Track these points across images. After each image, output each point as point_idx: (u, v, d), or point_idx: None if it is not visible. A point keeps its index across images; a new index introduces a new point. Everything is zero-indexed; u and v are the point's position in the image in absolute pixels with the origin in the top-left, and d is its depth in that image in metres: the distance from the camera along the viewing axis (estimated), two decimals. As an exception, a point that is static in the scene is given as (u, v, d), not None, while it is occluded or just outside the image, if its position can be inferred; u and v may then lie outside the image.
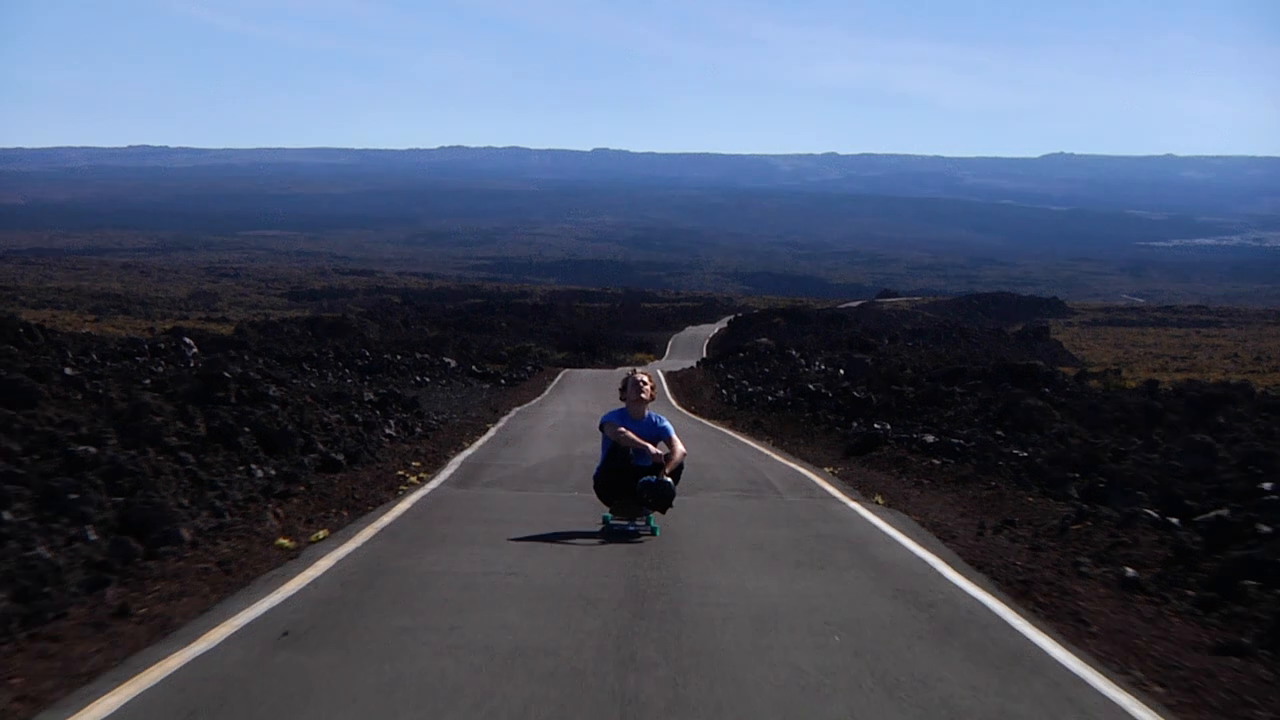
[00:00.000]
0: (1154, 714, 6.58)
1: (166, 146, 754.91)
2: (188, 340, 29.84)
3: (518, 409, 34.42)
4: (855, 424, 26.49)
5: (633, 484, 12.05)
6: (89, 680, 6.60)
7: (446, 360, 45.26)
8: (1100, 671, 7.39)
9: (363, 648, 7.23)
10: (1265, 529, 10.48)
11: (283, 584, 9.02)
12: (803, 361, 51.05)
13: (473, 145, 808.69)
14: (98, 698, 6.24)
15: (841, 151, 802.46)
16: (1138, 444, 18.87)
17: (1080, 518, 13.07)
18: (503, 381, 46.02)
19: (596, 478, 12.52)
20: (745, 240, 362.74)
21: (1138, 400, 25.94)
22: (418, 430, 23.46)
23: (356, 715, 6.03)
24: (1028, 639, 8.12)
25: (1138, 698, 6.87)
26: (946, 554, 11.53)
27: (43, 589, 8.08)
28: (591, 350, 77.29)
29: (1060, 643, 8.06)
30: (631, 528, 12.00)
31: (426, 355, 45.51)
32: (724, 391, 42.95)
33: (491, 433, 25.63)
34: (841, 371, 42.56)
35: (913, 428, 24.46)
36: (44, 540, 8.91)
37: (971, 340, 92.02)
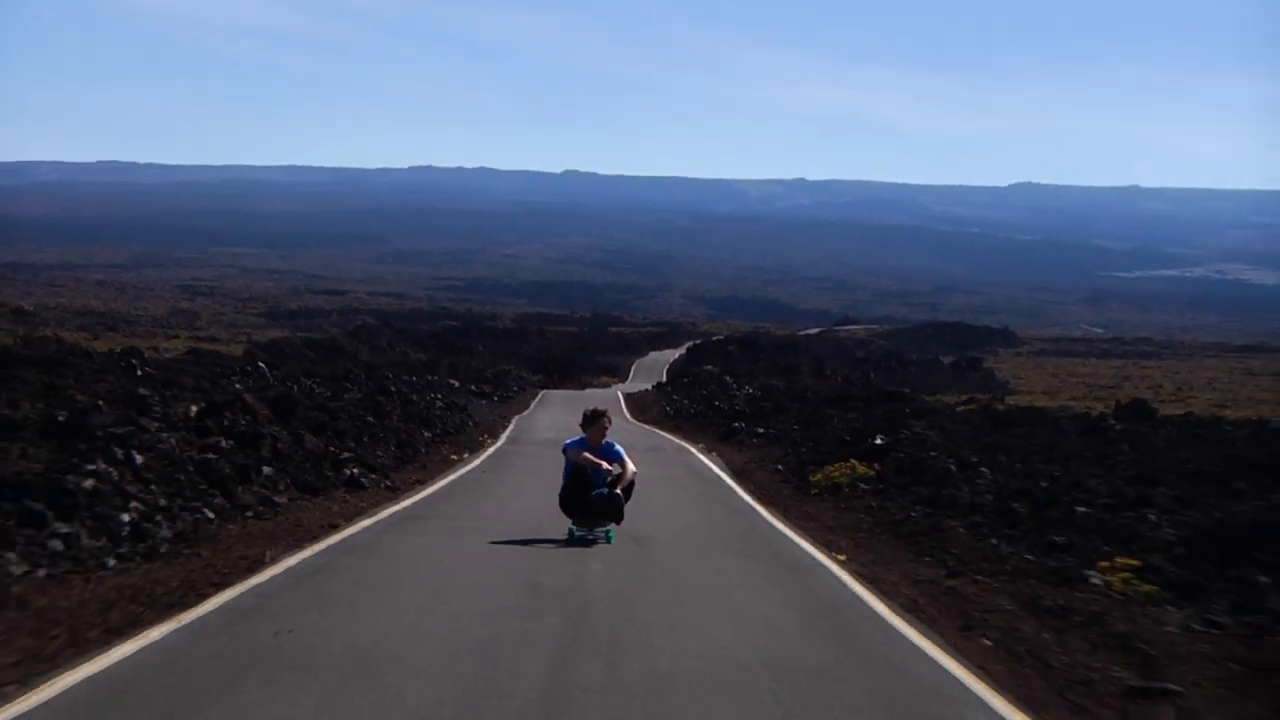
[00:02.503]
0: (799, 532, 14.69)
1: (136, 162, 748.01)
2: (261, 365, 36.25)
3: (517, 416, 45.17)
4: (734, 424, 37.73)
5: (594, 502, 13.66)
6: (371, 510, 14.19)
7: (452, 381, 52.15)
8: (784, 523, 15.64)
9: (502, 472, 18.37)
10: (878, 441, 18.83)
11: (456, 470, 21.22)
12: (735, 387, 58.36)
13: (442, 165, 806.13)
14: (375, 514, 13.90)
15: (810, 177, 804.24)
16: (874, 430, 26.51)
17: (801, 463, 23.80)
18: (496, 398, 54.04)
19: (561, 495, 14.02)
20: (712, 265, 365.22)
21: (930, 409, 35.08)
22: (472, 421, 36.41)
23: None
24: (752, 507, 17.98)
25: (796, 529, 14.27)
26: (723, 469, 25.05)
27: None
28: (563, 373, 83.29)
29: (773, 515, 16.48)
30: (590, 536, 13.54)
31: (435, 377, 52.02)
32: (667, 408, 51.99)
33: (510, 427, 38.49)
34: (760, 394, 49.78)
35: (758, 426, 35.64)
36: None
37: (909, 368, 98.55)
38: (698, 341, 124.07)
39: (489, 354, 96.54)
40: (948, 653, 8.18)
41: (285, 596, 9.31)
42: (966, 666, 7.80)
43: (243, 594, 9.32)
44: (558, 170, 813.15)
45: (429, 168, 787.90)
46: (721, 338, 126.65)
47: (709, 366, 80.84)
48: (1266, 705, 7.06)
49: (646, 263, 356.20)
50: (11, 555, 9.28)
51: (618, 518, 13.75)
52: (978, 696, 7.08)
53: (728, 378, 66.27)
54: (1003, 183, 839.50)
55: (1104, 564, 11.12)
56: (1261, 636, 8.45)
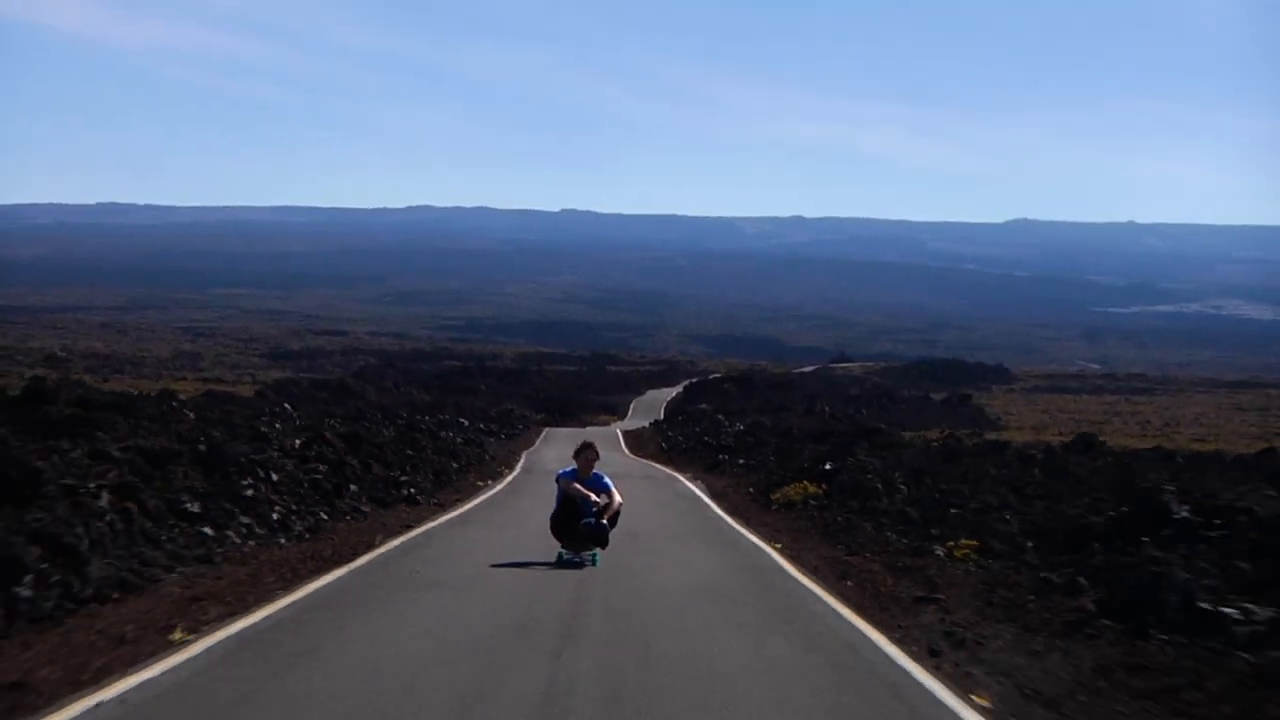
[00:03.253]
0: (752, 532, 19.64)
1: (134, 204, 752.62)
2: (287, 406, 39.94)
3: (525, 451, 50.19)
4: (720, 456, 43.23)
5: (581, 528, 14.92)
6: (430, 518, 19.04)
7: (462, 420, 55.29)
8: (744, 526, 20.43)
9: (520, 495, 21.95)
10: (827, 467, 22.78)
11: (483, 494, 25.88)
12: (727, 424, 62.47)
13: (440, 205, 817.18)
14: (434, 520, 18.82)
15: (807, 214, 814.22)
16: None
17: (769, 486, 28.26)
18: (504, 436, 58.66)
19: (552, 520, 15.37)
20: (709, 303, 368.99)
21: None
22: (488, 455, 41.76)
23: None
24: (720, 516, 22.72)
25: (751, 530, 19.18)
26: (704, 491, 29.27)
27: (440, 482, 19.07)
28: (564, 412, 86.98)
29: (737, 522, 21.25)
30: (578, 559, 14.77)
31: (446, 416, 54.90)
32: (662, 444, 57.19)
33: (522, 460, 43.21)
34: (746, 431, 54.48)
35: (740, 458, 41.18)
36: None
37: (899, 405, 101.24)
38: (695, 380, 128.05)
39: (491, 394, 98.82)
40: (823, 588, 13.32)
41: (403, 558, 14.65)
42: (831, 593, 12.92)
43: (375, 557, 14.65)
44: (555, 209, 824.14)
45: (426, 207, 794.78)
46: (719, 375, 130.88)
47: (703, 405, 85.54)
48: (987, 601, 12.21)
49: (643, 301, 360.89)
50: (229, 533, 14.54)
51: (602, 544, 15.15)
52: (829, 604, 12.19)
53: (720, 416, 70.09)
54: (999, 219, 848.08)
55: (950, 544, 16.30)
56: (1009, 572, 13.63)
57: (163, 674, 8.00)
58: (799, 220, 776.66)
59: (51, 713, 7.07)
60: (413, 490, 23.29)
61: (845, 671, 8.73)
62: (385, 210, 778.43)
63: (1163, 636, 9.18)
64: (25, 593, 9.39)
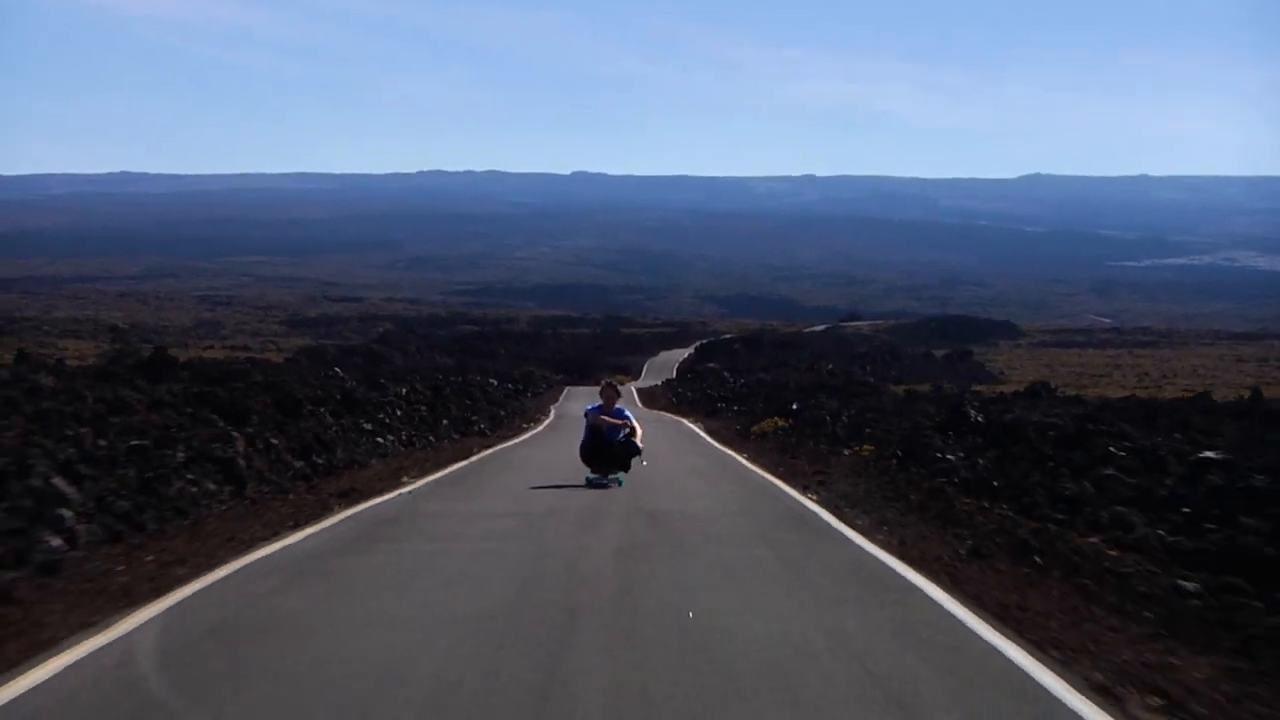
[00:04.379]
0: (732, 450, 28.32)
1: (147, 173, 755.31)
2: (337, 369, 46.97)
3: (553, 404, 58.60)
4: (718, 405, 50.91)
5: (607, 452, 18.39)
6: (499, 444, 27.72)
7: (492, 381, 61.61)
8: (727, 448, 28.83)
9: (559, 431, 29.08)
10: (794, 407, 28.82)
11: (530, 432, 34.01)
12: (731, 380, 70.37)
13: (451, 169, 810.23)
14: (502, 444, 27.45)
15: (819, 173, 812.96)
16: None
17: (751, 422, 35.01)
18: (529, 394, 66.11)
19: (582, 448, 18.81)
20: (722, 263, 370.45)
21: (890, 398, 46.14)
22: (525, 407, 50.18)
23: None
24: (710, 443, 31.27)
25: (731, 449, 27.79)
26: (702, 430, 37.65)
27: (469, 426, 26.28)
28: (581, 373, 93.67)
29: (721, 445, 29.49)
30: (605, 481, 17.89)
31: (479, 378, 61.54)
32: (673, 398, 65.31)
33: (552, 412, 50.51)
34: (747, 386, 62.26)
35: (735, 406, 48.92)
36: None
37: (903, 362, 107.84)
38: (706, 341, 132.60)
39: (511, 357, 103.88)
40: (762, 470, 21.80)
41: (496, 457, 23.63)
42: (766, 472, 21.32)
43: (476, 459, 23.54)
44: (566, 171, 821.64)
45: (438, 172, 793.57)
46: (730, 336, 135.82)
47: (712, 364, 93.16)
48: (852, 470, 20.65)
49: (656, 262, 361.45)
50: (388, 442, 23.11)
51: (625, 467, 18.57)
52: (761, 475, 20.62)
53: (725, 373, 77.50)
54: (1011, 174, 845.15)
55: (856, 448, 24.71)
56: (876, 458, 22.09)
57: (415, 489, 16.84)
58: (811, 179, 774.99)
59: (376, 497, 15.67)
60: (482, 426, 32.06)
61: (759, 495, 17.44)
62: (397, 176, 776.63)
63: (920, 470, 17.68)
64: (320, 459, 17.93)
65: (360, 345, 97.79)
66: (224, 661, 6.82)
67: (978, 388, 62.88)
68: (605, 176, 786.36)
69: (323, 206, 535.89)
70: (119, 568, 9.71)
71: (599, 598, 8.70)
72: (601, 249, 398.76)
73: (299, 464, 17.29)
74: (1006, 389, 59.98)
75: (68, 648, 7.11)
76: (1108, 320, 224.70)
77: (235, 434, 16.40)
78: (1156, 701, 6.39)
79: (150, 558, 10.21)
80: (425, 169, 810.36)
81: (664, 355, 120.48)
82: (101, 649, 7.14)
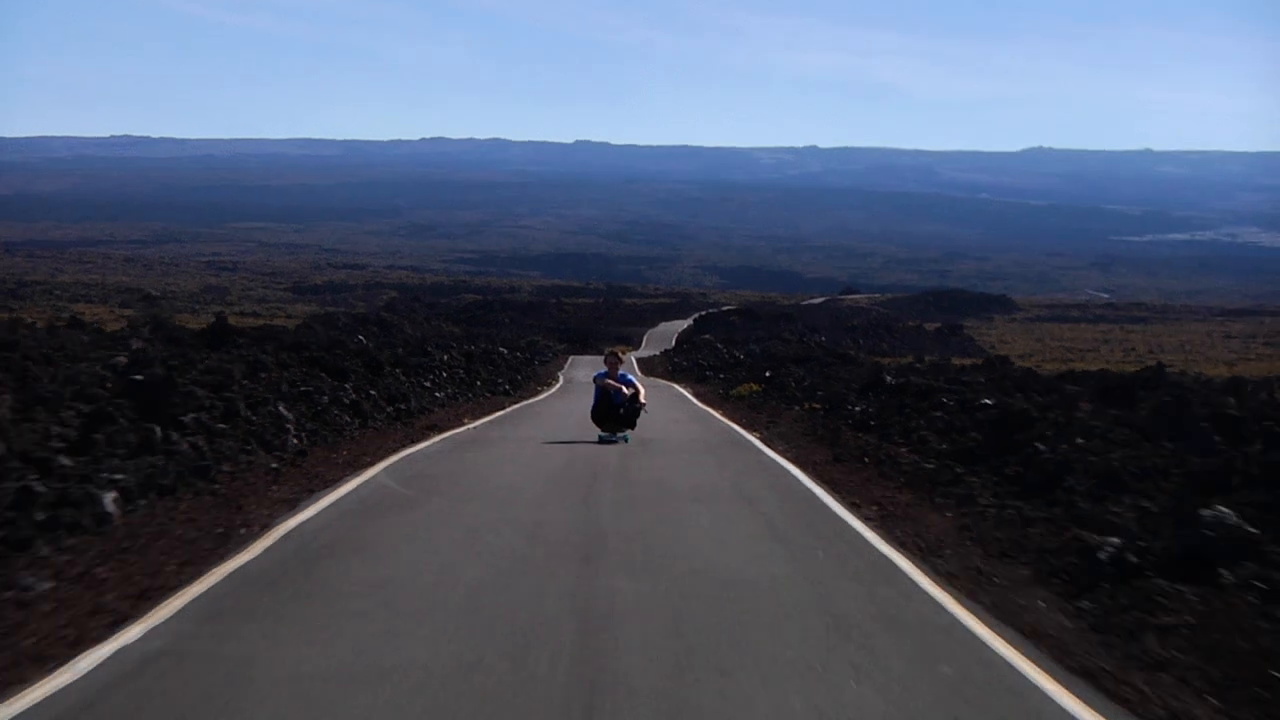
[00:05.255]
0: (713, 408, 35.30)
1: (149, 136, 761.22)
2: (361, 338, 53.61)
3: (560, 371, 64.20)
4: (707, 373, 56.65)
5: (615, 413, 21.27)
6: (524, 399, 34.75)
7: (501, 349, 67.57)
8: (708, 406, 35.59)
9: (571, 393, 34.92)
10: (767, 374, 35.55)
11: (546, 392, 40.25)
12: (724, 352, 75.31)
13: (454, 137, 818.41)
14: (527, 399, 34.73)
15: (822, 144, 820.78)
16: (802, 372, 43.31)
17: (731, 387, 39.14)
18: (537, 362, 70.53)
19: (592, 411, 21.70)
20: (724, 234, 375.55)
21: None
22: (537, 372, 55.04)
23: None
24: (695, 404, 37.51)
25: (712, 408, 34.72)
26: (690, 394, 43.01)
27: (480, 385, 33.15)
28: (583, 343, 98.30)
29: (704, 405, 36.11)
30: (614, 439, 20.89)
31: (489, 345, 67.63)
32: (669, 367, 71.24)
33: (560, 378, 55.59)
34: (742, 357, 66.65)
35: (722, 374, 53.92)
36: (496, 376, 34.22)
37: (894, 335, 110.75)
38: (704, 313, 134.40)
39: (514, 326, 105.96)
40: (730, 420, 28.98)
41: (527, 409, 31.11)
42: (733, 422, 28.48)
43: (510, 410, 30.93)
44: (569, 140, 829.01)
45: (441, 139, 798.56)
46: (729, 308, 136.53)
47: (707, 336, 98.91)
48: (798, 419, 27.83)
49: (658, 233, 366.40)
50: (440, 394, 30.32)
51: (632, 424, 21.45)
52: (729, 424, 27.77)
53: (719, 345, 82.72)
54: (1015, 147, 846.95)
55: (807, 404, 31.83)
56: (816, 413, 29.29)
57: (476, 425, 24.29)
58: (814, 150, 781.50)
59: (451, 429, 23.00)
60: (507, 386, 39.13)
61: (719, 434, 24.78)
62: (399, 143, 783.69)
63: (834, 416, 24.93)
64: (402, 406, 25.12)
65: (371, 314, 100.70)
66: (428, 483, 14.40)
67: (961, 360, 68.61)
68: (608, 145, 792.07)
69: (325, 172, 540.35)
70: (334, 455, 17.06)
71: (608, 471, 16.19)
72: (604, 219, 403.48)
73: (389, 408, 24.39)
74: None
75: (342, 484, 14.34)
76: (1105, 295, 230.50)
77: (348, 385, 23.60)
78: (876, 510, 13.58)
79: (345, 451, 17.59)
80: (428, 136, 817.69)
81: (664, 326, 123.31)
82: (363, 481, 14.60)
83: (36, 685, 6.54)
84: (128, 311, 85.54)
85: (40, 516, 9.89)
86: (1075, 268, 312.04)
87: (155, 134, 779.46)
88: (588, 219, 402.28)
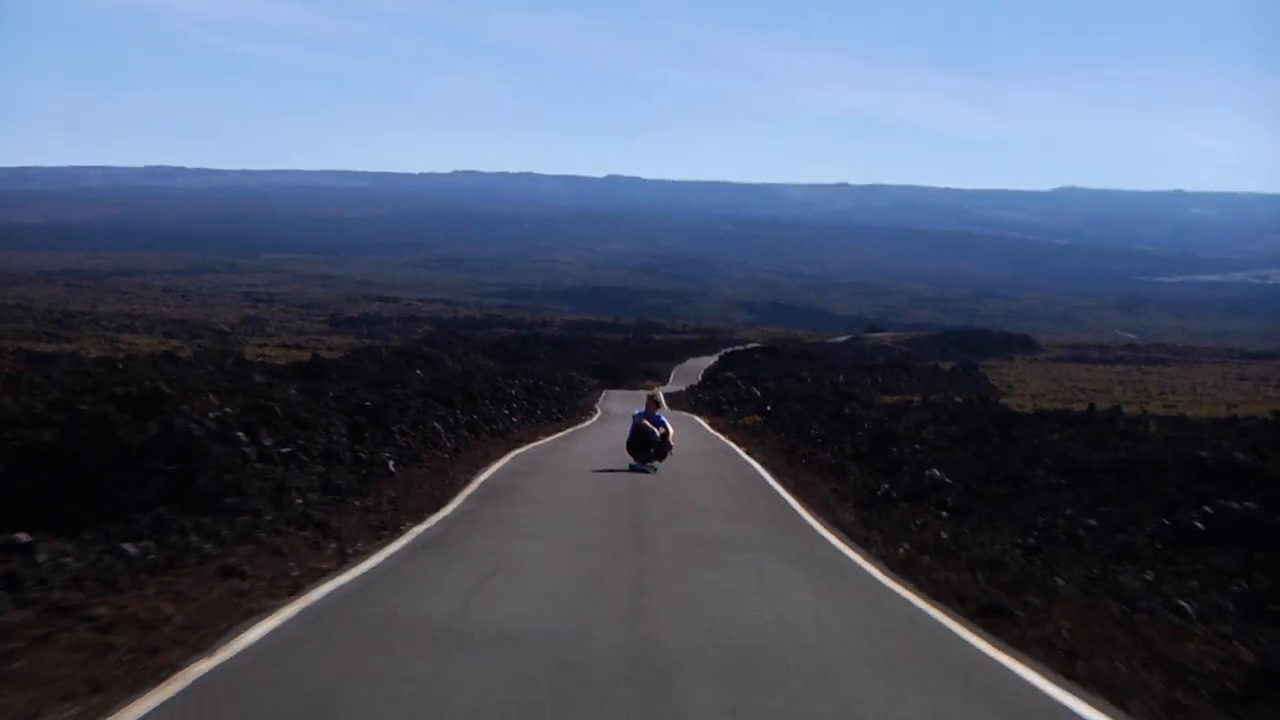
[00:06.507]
0: (723, 434, 45.31)
1: (183, 167, 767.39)
2: (419, 372, 63.61)
3: (597, 404, 73.15)
4: (724, 407, 65.17)
5: (647, 447, 25.59)
6: (569, 427, 45.41)
7: (541, 384, 76.32)
8: (720, 434, 45.69)
9: (608, 422, 45.62)
10: (768, 408, 46.03)
11: (587, 422, 50.91)
12: (743, 389, 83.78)
13: (486, 170, 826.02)
14: (573, 427, 45.18)
15: (852, 181, 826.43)
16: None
17: (743, 413, 49.89)
18: (573, 396, 79.29)
19: (628, 443, 25.90)
20: (753, 270, 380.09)
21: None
22: (578, 405, 63.64)
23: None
24: (709, 430, 47.38)
25: (722, 434, 44.61)
26: (706, 423, 52.32)
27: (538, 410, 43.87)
28: (614, 378, 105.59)
29: (716, 432, 46.34)
30: (644, 468, 25.03)
31: (536, 381, 76.56)
32: (691, 401, 79.72)
33: (598, 411, 64.83)
34: (758, 394, 75.90)
35: (735, 408, 62.59)
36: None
37: (911, 375, 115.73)
38: (730, 350, 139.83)
39: (549, 361, 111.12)
40: (732, 443, 39.21)
41: (581, 432, 41.85)
42: (733, 444, 38.74)
43: (573, 430, 41.94)
44: (600, 174, 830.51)
45: (472, 172, 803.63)
46: (754, 345, 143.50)
47: (730, 373, 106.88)
48: (779, 441, 38.18)
49: (688, 268, 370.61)
50: (515, 420, 40.86)
51: (662, 457, 25.84)
52: (728, 443, 38.12)
53: (740, 382, 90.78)
54: (1046, 187, 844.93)
55: (791, 434, 42.12)
56: (798, 438, 39.70)
57: (552, 440, 35.41)
58: (844, 187, 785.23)
59: (534, 443, 33.74)
60: (559, 414, 49.56)
61: (720, 450, 35.65)
62: (431, 175, 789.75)
63: (799, 436, 35.38)
64: (495, 426, 35.64)
65: (412, 348, 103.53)
66: (537, 466, 25.71)
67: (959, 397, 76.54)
68: (639, 180, 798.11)
69: (357, 204, 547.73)
70: (472, 454, 27.71)
71: (647, 488, 26.29)
72: (634, 253, 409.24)
73: (486, 428, 34.87)
74: (1013, 402, 65.97)
75: (490, 465, 25.04)
76: (1132, 336, 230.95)
77: (457, 410, 34.08)
78: (792, 483, 24.25)
79: (477, 452, 28.23)
80: (460, 169, 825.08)
81: (690, 362, 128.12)
82: (501, 465, 25.55)
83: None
84: (175, 342, 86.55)
85: (362, 472, 20.39)
86: (1102, 308, 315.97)
87: (189, 164, 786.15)
88: (618, 253, 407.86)
